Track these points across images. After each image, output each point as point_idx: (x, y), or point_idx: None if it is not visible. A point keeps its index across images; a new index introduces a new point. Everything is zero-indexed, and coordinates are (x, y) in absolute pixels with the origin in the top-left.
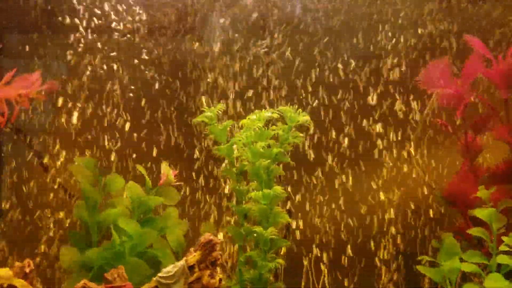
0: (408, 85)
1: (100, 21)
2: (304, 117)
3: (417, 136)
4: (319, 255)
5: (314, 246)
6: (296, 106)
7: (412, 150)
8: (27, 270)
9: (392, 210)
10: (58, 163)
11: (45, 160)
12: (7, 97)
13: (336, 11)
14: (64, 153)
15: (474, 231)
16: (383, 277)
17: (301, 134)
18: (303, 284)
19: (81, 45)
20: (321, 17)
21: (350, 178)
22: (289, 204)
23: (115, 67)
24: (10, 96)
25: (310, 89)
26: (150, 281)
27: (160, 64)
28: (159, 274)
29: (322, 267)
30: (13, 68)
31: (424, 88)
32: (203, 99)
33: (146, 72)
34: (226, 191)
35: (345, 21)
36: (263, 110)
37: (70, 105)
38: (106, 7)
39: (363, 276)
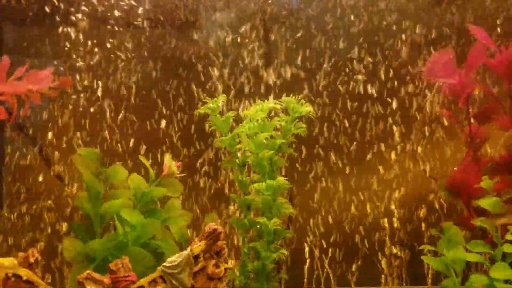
0: None
1: (101, 13)
2: (307, 108)
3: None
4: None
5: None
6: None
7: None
8: (31, 259)
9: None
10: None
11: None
12: (18, 92)
13: None
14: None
15: (478, 221)
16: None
17: (304, 125)
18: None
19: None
20: None
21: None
22: None
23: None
24: (21, 92)
25: None
26: (153, 271)
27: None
28: (164, 264)
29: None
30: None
31: (428, 79)
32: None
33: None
34: None
35: None
36: (266, 101)
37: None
38: None
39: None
